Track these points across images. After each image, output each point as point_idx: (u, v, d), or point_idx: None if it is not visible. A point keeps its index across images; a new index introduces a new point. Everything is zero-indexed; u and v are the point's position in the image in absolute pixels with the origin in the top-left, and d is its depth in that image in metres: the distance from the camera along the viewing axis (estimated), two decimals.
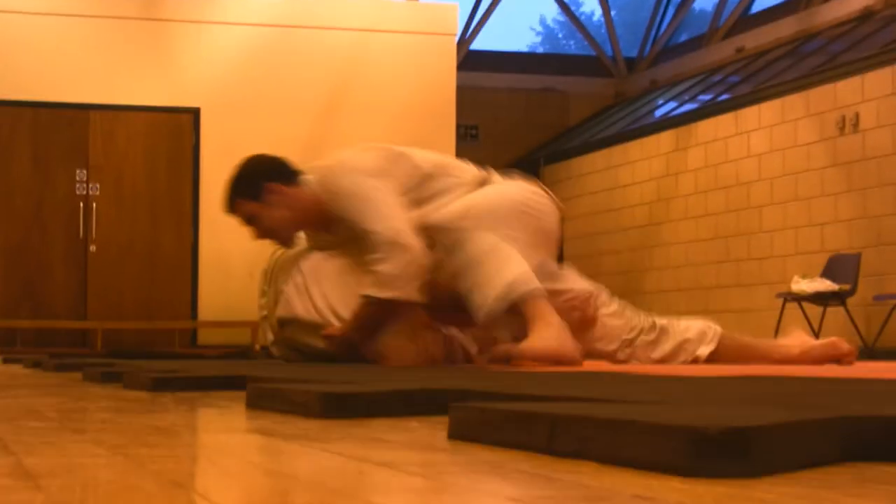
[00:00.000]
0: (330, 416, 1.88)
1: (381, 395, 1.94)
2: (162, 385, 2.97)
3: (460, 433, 1.48)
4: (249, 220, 4.74)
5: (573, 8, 19.62)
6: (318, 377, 2.78)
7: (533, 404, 1.40)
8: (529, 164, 17.35)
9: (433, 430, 1.69)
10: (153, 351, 6.91)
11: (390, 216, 4.36)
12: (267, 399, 2.12)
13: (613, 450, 1.20)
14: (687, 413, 1.26)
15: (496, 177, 4.70)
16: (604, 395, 1.70)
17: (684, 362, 4.70)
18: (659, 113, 16.22)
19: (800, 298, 11.46)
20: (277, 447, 1.56)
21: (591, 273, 16.79)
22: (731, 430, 1.12)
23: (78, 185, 13.12)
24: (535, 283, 4.17)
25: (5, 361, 6.57)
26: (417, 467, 1.26)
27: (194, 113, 13.37)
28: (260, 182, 4.70)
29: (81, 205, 13.11)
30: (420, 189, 4.50)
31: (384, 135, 11.60)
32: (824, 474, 1.19)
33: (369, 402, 1.92)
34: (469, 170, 4.69)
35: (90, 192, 13.14)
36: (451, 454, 1.42)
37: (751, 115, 13.34)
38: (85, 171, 13.14)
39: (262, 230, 4.71)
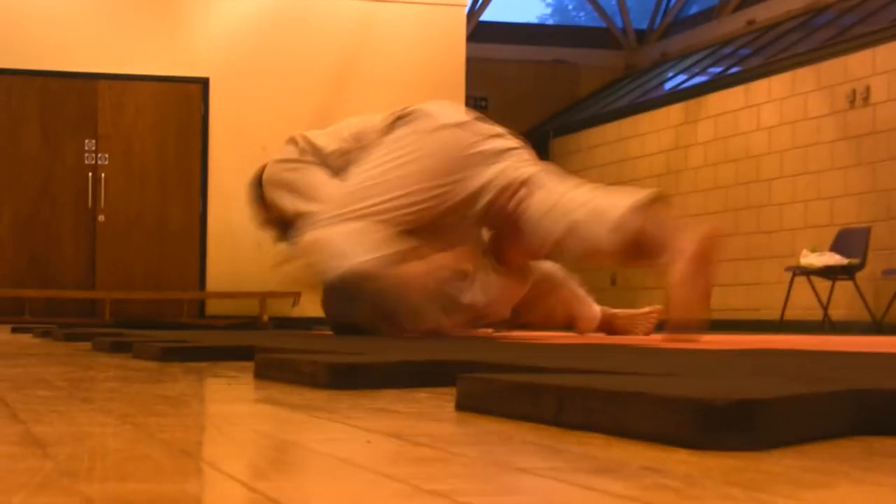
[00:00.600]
0: (338, 386, 1.88)
1: (388, 367, 1.94)
2: (170, 355, 2.98)
3: (468, 404, 1.48)
4: None
5: None
6: (325, 348, 2.78)
7: (540, 376, 1.40)
8: (539, 137, 17.33)
9: (441, 401, 1.70)
10: (161, 321, 6.92)
11: None
12: (275, 369, 2.12)
13: (621, 422, 1.20)
14: (694, 385, 1.26)
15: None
16: (611, 367, 1.70)
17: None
18: (669, 85, 16.18)
19: (808, 272, 11.44)
20: (285, 417, 1.56)
21: None
22: (738, 403, 1.11)
23: (87, 156, 13.13)
24: None
25: (14, 331, 6.59)
26: (425, 438, 1.27)
27: (203, 83, 13.36)
28: None
29: (90, 175, 13.12)
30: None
31: (392, 106, 11.58)
32: (833, 447, 1.19)
33: (377, 374, 1.92)
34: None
35: (99, 163, 13.14)
36: (458, 425, 1.42)
37: (761, 88, 13.31)
38: (94, 142, 13.14)
39: None
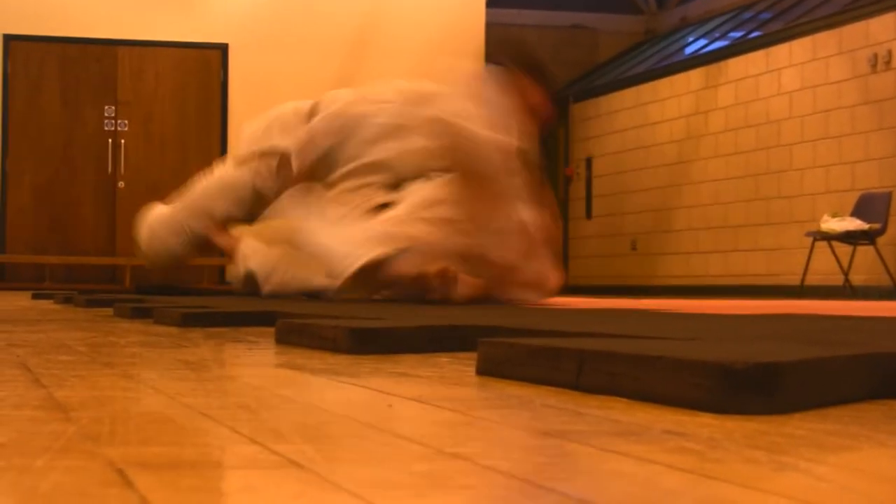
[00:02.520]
0: (359, 351, 1.88)
1: (409, 331, 1.94)
2: (191, 321, 2.98)
3: (489, 369, 1.48)
4: None
5: None
6: (346, 313, 2.78)
7: (561, 340, 1.40)
8: (559, 102, 17.26)
9: (462, 365, 1.70)
10: (182, 287, 6.94)
11: None
12: (295, 334, 2.13)
13: (642, 385, 1.20)
14: (715, 349, 1.26)
15: None
16: (632, 332, 1.70)
17: None
18: (689, 50, 16.10)
19: (829, 237, 11.41)
20: (307, 381, 1.56)
21: (619, 210, 16.73)
22: (760, 366, 1.11)
23: (106, 122, 13.14)
24: None
25: (35, 297, 6.61)
26: (447, 402, 1.27)
27: (223, 48, 13.35)
28: None
29: (110, 141, 13.13)
30: None
31: (412, 72, 11.56)
32: (854, 411, 1.18)
33: (398, 338, 1.92)
34: None
35: (119, 129, 13.15)
36: (479, 389, 1.42)
37: (782, 52, 13.24)
38: (113, 108, 13.16)
39: None
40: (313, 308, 3.33)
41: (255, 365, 1.83)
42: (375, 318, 2.43)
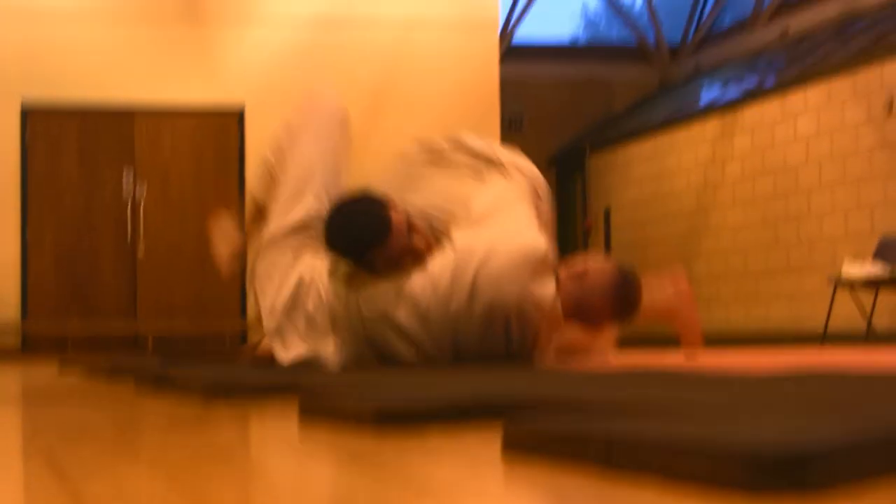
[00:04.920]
0: (384, 427, 1.88)
1: (433, 408, 1.94)
2: (214, 394, 2.98)
3: (515, 447, 1.47)
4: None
5: None
6: (368, 383, 2.77)
7: (587, 423, 1.39)
8: (575, 153, 17.33)
9: (487, 443, 1.69)
10: (204, 354, 6.93)
11: None
12: (319, 411, 2.12)
13: (671, 471, 1.19)
14: (745, 429, 1.25)
15: None
16: (659, 403, 1.69)
17: None
18: (704, 99, 16.14)
19: (851, 282, 11.37)
20: (334, 471, 1.56)
21: (639, 260, 16.72)
22: (790, 452, 1.10)
23: (125, 187, 13.21)
24: None
25: (61, 366, 6.61)
26: (473, 487, 1.26)
27: (239, 112, 13.42)
28: None
29: (129, 206, 13.20)
30: None
31: (428, 129, 11.62)
32: (889, 488, 1.18)
33: (422, 415, 1.92)
34: None
35: (137, 194, 13.22)
36: (506, 473, 1.42)
37: (797, 98, 13.25)
38: (132, 173, 13.22)
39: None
40: (334, 378, 3.32)
41: (282, 451, 1.82)
42: (399, 389, 2.42)
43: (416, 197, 4.61)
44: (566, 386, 2.43)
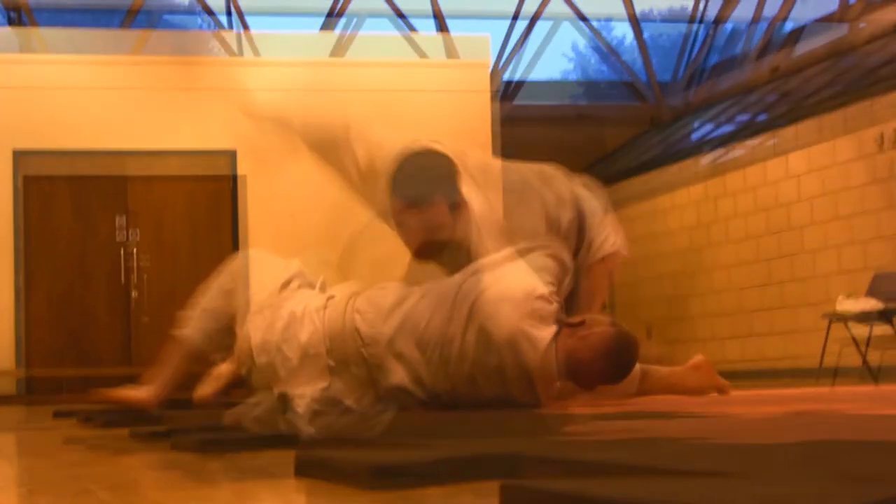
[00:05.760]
0: (380, 487, 1.87)
1: (430, 465, 1.93)
2: (209, 448, 2.96)
3: None
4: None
5: (604, 33, 19.61)
6: (366, 437, 2.76)
7: (585, 487, 1.38)
8: None
9: (487, 503, 1.68)
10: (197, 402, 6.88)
11: None
12: (315, 468, 2.11)
13: None
14: (745, 493, 1.24)
15: None
16: (657, 464, 1.68)
17: None
18: (695, 136, 16.17)
19: (845, 318, 11.36)
20: None
21: (634, 299, 16.67)
22: None
23: (118, 232, 13.19)
24: None
25: (56, 416, 6.59)
26: None
27: (231, 154, 13.42)
28: None
29: (122, 251, 13.18)
30: None
31: None
32: None
33: (419, 474, 1.91)
34: None
35: (130, 238, 13.20)
36: None
37: (788, 134, 13.28)
38: (125, 218, 13.21)
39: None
40: (332, 429, 3.31)
41: None
42: (396, 446, 2.41)
43: (514, 215, 4.61)
44: (563, 443, 2.42)
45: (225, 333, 4.85)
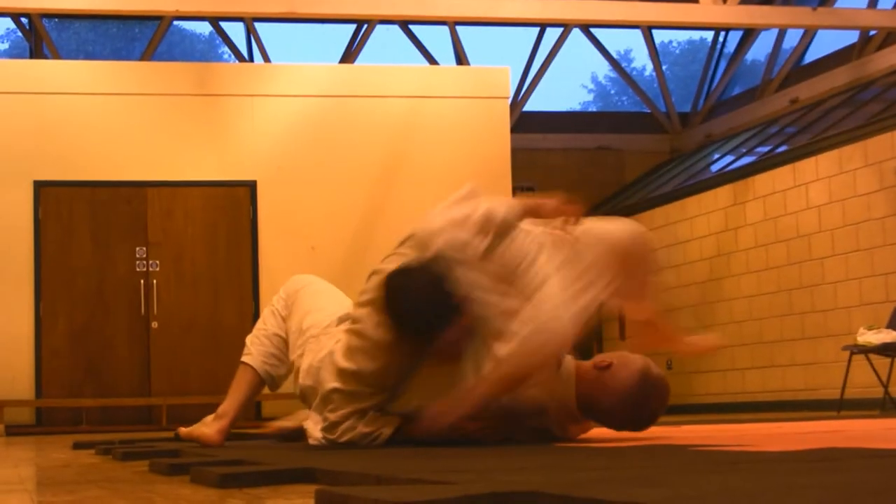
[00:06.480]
0: None
1: (451, 503, 1.92)
2: (229, 482, 2.95)
3: None
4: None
5: (624, 64, 19.63)
6: (388, 471, 2.75)
7: None
8: None
9: None
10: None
11: None
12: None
13: None
14: None
15: None
16: (680, 500, 1.67)
17: None
18: (715, 167, 16.16)
19: (866, 350, 11.32)
20: None
21: (652, 332, 16.48)
22: None
23: (138, 263, 13.23)
24: None
25: (75, 447, 6.59)
26: None
27: (251, 186, 13.46)
28: None
29: (142, 282, 13.21)
30: None
31: (439, 200, 11.63)
32: None
33: None
34: None
35: (150, 269, 13.23)
36: None
37: (808, 166, 13.26)
38: (144, 249, 13.25)
39: None
40: (355, 462, 3.30)
41: None
42: (418, 481, 2.40)
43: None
44: (586, 477, 2.41)
45: (283, 356, 4.97)
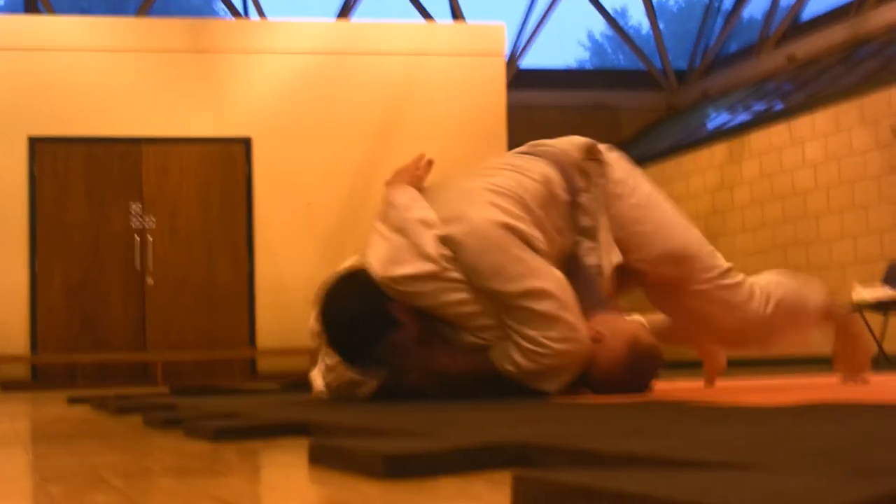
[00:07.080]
0: (394, 476, 1.87)
1: (443, 455, 1.93)
2: (223, 435, 2.97)
3: (524, 501, 1.46)
4: None
5: (621, 21, 19.58)
6: (381, 425, 2.76)
7: (597, 476, 1.37)
8: None
9: (499, 492, 1.68)
10: (213, 386, 6.92)
11: None
12: (329, 457, 2.11)
13: None
14: (758, 486, 1.23)
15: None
16: (676, 447, 1.67)
17: None
18: (712, 125, 16.14)
19: (861, 307, 11.34)
20: None
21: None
22: None
23: (133, 219, 13.23)
24: None
25: (70, 402, 6.61)
26: None
27: (246, 142, 13.44)
28: None
29: (137, 238, 13.21)
30: None
31: (437, 157, 11.61)
32: None
33: (432, 463, 1.91)
34: None
35: (145, 225, 13.23)
36: None
37: (804, 124, 13.25)
38: (139, 205, 13.25)
39: None
40: (348, 416, 3.30)
41: (291, 500, 1.82)
42: (411, 434, 2.41)
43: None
44: (577, 424, 2.42)
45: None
